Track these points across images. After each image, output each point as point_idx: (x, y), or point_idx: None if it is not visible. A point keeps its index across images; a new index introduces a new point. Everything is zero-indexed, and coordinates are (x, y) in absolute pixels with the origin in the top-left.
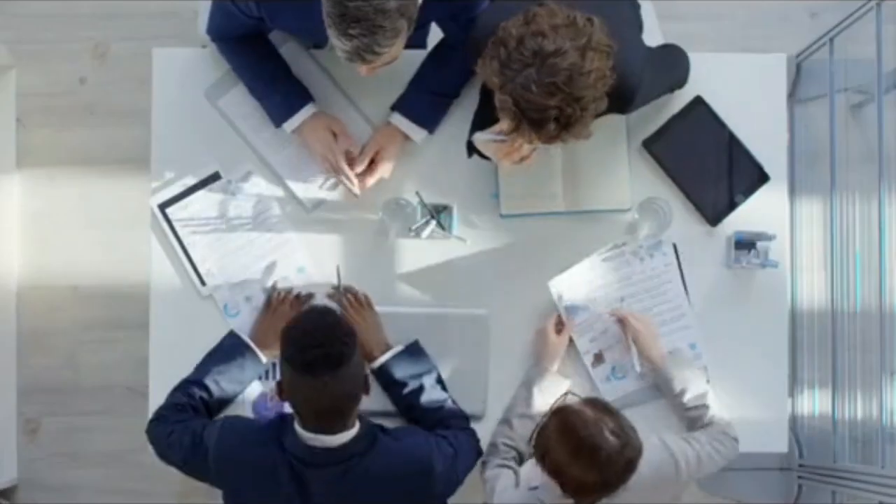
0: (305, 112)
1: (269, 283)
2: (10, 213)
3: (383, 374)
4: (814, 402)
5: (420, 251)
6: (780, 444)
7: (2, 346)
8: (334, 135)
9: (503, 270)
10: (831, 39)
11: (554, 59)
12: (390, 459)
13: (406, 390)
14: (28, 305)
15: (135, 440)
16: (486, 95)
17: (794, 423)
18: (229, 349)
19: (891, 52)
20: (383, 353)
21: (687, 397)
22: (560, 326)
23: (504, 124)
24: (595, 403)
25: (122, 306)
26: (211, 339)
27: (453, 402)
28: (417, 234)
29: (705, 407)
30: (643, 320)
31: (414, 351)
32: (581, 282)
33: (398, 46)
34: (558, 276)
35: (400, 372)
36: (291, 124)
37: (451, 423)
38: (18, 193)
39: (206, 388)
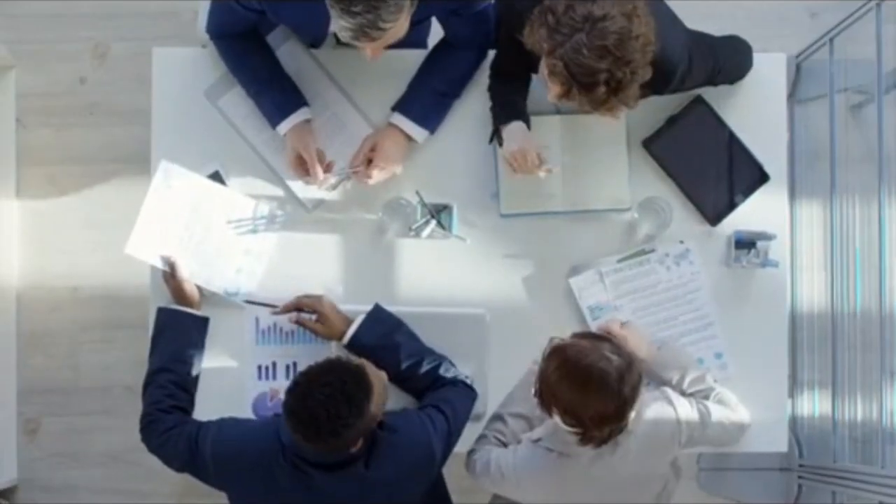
0: (297, 116)
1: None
2: (10, 213)
3: (356, 346)
4: (814, 403)
5: (420, 251)
6: (780, 444)
7: (2, 346)
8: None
9: (503, 270)
10: (831, 39)
11: (604, 23)
12: (393, 459)
13: (384, 352)
14: (28, 306)
15: (135, 440)
16: (502, 83)
17: (794, 423)
18: (167, 324)
19: (891, 52)
20: (348, 328)
21: (686, 383)
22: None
23: (554, 89)
24: (584, 334)
25: (121, 306)
26: (211, 337)
27: (432, 351)
28: (417, 233)
29: (709, 389)
30: (627, 325)
31: (375, 314)
32: (607, 284)
33: (402, 22)
34: (580, 274)
35: (370, 337)
36: (283, 127)
37: (441, 378)
38: (18, 193)
39: (172, 370)
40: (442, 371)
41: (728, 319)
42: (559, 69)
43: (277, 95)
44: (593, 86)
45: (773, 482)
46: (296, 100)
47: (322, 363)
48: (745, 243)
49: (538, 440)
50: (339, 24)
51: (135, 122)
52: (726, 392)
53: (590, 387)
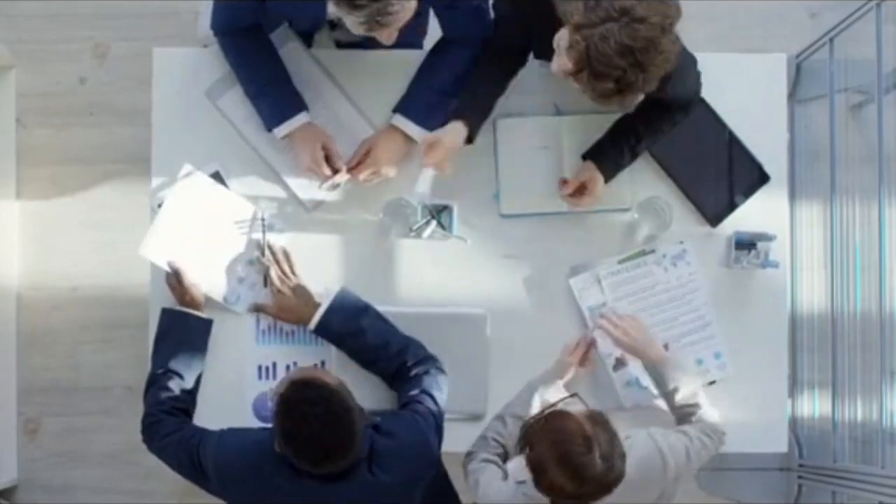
0: (297, 120)
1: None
2: (10, 213)
3: (323, 332)
4: (814, 403)
5: (420, 252)
6: (780, 444)
7: (2, 346)
8: (324, 149)
9: (503, 270)
10: (831, 39)
11: (640, 24)
12: (397, 462)
13: (351, 338)
14: (28, 306)
15: (135, 440)
16: (488, 67)
17: (794, 423)
18: (171, 326)
19: (891, 52)
20: (315, 312)
21: (678, 397)
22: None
23: (564, 64)
24: (595, 419)
25: (121, 306)
26: (212, 337)
27: (397, 332)
28: (418, 234)
29: (696, 406)
30: (634, 325)
31: (342, 299)
32: (606, 286)
33: (410, 2)
34: (580, 275)
35: (336, 324)
36: (282, 130)
37: (408, 362)
38: (18, 194)
39: (175, 372)
40: (410, 354)
41: (728, 320)
42: (579, 48)
43: (277, 98)
44: (604, 77)
45: (773, 482)
46: (296, 104)
47: (295, 394)
48: (745, 244)
49: (522, 482)
50: (350, 21)
51: (135, 122)
52: (711, 413)
53: (561, 465)
